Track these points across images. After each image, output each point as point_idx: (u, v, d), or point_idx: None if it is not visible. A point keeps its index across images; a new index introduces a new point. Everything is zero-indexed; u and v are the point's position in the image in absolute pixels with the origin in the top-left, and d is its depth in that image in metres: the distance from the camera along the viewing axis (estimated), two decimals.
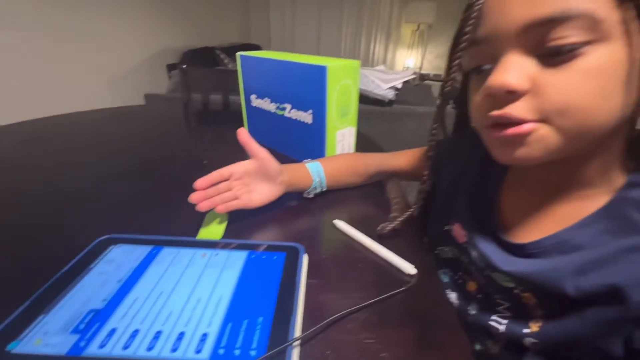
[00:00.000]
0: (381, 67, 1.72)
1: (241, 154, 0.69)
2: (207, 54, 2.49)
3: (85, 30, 1.83)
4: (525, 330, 0.30)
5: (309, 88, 0.55)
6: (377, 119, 1.41)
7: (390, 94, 1.39)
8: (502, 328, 0.32)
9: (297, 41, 3.73)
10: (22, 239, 0.40)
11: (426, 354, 0.27)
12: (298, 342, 0.26)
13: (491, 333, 0.33)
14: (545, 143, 0.26)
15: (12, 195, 0.50)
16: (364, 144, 0.74)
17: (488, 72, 0.28)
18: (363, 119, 1.49)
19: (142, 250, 0.35)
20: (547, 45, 0.24)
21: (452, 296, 0.40)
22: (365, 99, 1.41)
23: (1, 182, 0.53)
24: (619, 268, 0.26)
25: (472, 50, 0.30)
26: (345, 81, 0.55)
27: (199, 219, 0.43)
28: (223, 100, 1.07)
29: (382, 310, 0.31)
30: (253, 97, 0.68)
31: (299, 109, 0.59)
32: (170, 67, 2.20)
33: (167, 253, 0.35)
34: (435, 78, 3.55)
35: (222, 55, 2.48)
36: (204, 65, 2.25)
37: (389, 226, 0.41)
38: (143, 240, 0.37)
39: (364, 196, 0.53)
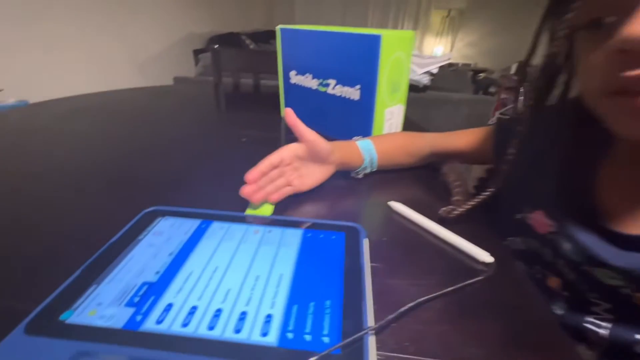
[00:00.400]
0: (415, 52, 1.64)
1: (277, 134, 0.66)
2: (232, 39, 2.48)
3: (115, 15, 1.84)
4: (639, 337, 0.25)
5: (359, 61, 0.50)
6: (409, 104, 1.35)
7: (425, 79, 1.32)
8: (604, 332, 0.28)
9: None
10: (67, 210, 0.38)
11: (526, 355, 0.23)
12: (373, 330, 0.23)
13: (586, 337, 0.29)
14: None
15: (55, 166, 0.49)
16: (409, 126, 0.70)
17: (611, 27, 0.23)
18: None
19: (191, 224, 0.33)
20: None
21: None
22: None
23: (43, 154, 0.53)
24: None
25: (587, 1, 0.24)
26: (398, 53, 0.50)
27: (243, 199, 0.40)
28: (254, 82, 1.04)
29: (459, 300, 0.28)
30: (292, 73, 0.65)
31: (344, 84, 0.55)
32: (197, 52, 2.20)
33: (217, 227, 0.33)
34: (465, 67, 3.39)
35: (248, 41, 2.45)
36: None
37: (456, 210, 0.37)
38: (190, 213, 0.35)
39: (415, 178, 0.49)
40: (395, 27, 3.49)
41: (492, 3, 3.22)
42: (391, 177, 0.48)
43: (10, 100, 0.82)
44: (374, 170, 0.47)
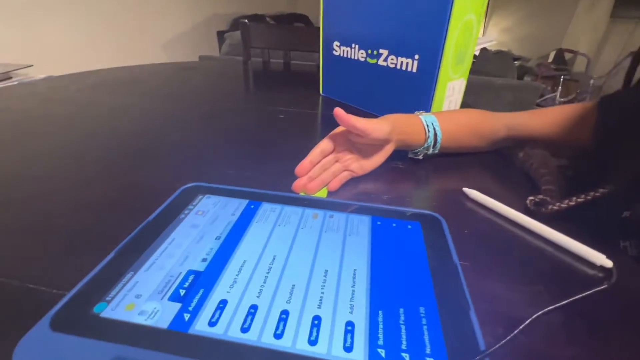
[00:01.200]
0: None
1: (316, 111, 0.60)
2: (256, 21, 2.41)
3: None
4: None
5: (421, 25, 0.43)
6: None
7: None
8: None
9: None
10: (99, 181, 0.34)
11: None
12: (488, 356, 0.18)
13: None
14: None
15: (86, 138, 0.45)
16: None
17: None
18: None
19: (239, 204, 0.28)
20: None
21: None
22: None
23: (73, 125, 0.49)
24: None
25: None
26: (469, 16, 0.43)
27: (289, 171, 0.35)
28: (284, 60, 0.98)
29: (583, 315, 0.21)
30: (336, 44, 0.58)
31: (399, 55, 0.48)
32: (220, 34, 2.15)
33: (268, 209, 0.28)
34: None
35: (272, 23, 2.38)
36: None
37: (551, 205, 0.30)
38: (236, 192, 0.30)
39: (484, 164, 0.42)
40: None
41: None
42: (455, 161, 0.41)
43: (40, 76, 0.81)
44: (436, 152, 0.40)
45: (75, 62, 1.46)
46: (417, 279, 0.21)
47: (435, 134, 0.38)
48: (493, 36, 1.38)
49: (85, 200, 0.31)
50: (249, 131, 0.50)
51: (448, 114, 0.42)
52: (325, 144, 0.34)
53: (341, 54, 0.58)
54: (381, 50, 0.50)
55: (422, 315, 0.19)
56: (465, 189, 0.34)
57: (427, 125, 0.38)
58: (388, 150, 0.37)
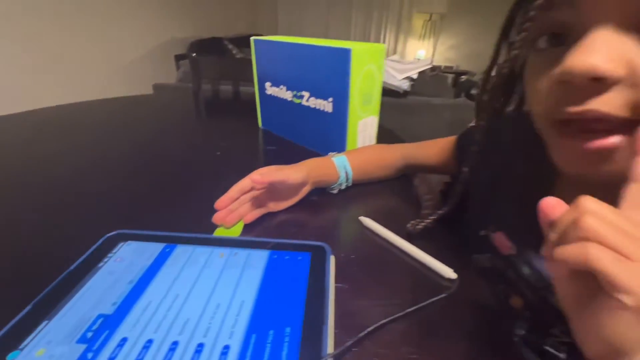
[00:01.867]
0: (396, 57, 1.66)
1: (254, 146, 0.66)
2: (215, 44, 2.44)
3: (92, 20, 1.80)
4: None
5: (330, 74, 0.51)
6: (391, 110, 1.36)
7: (405, 85, 1.34)
8: (562, 356, 0.28)
9: (305, 33, 3.66)
10: (23, 236, 0.37)
11: None
12: (331, 358, 0.23)
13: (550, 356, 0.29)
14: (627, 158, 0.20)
15: (13, 187, 0.47)
16: (384, 135, 0.70)
17: (562, 49, 0.21)
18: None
19: (155, 248, 0.32)
20: None
21: None
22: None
23: (2, 173, 0.51)
24: None
25: (541, 16, 0.23)
26: (369, 66, 0.50)
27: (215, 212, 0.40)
28: (234, 89, 1.04)
29: (421, 320, 0.28)
30: (267, 84, 0.64)
31: (318, 96, 0.55)
32: (179, 58, 2.17)
33: (181, 251, 0.32)
34: (447, 70, 3.45)
35: (230, 46, 2.43)
36: (212, 56, 2.21)
37: (421, 224, 0.37)
38: (155, 236, 0.34)
39: (389, 191, 0.49)
40: (378, 31, 3.52)
41: (471, 8, 3.29)
42: (365, 190, 0.48)
43: None
44: (349, 185, 0.47)
45: (16, 95, 1.41)
46: (292, 304, 0.27)
47: (347, 173, 0.45)
48: (429, 60, 1.52)
49: (10, 252, 0.34)
50: (184, 171, 0.54)
51: (356, 152, 0.50)
52: (244, 183, 0.40)
53: (273, 93, 0.64)
54: (303, 93, 0.57)
55: (287, 334, 0.24)
56: (360, 218, 0.40)
57: (339, 167, 0.45)
58: (304, 191, 0.43)
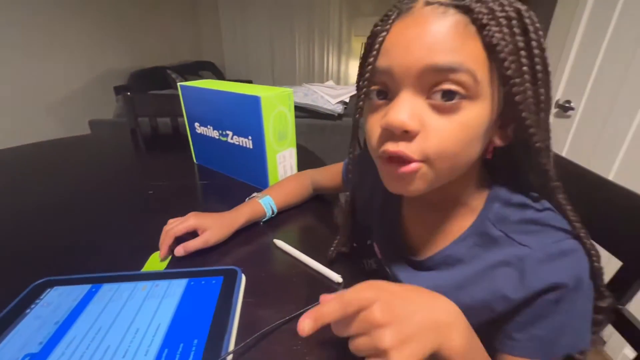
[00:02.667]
0: (330, 83, 1.80)
1: (189, 181, 0.71)
2: (157, 74, 2.44)
3: (19, 52, 1.72)
4: None
5: (246, 116, 0.58)
6: (329, 132, 1.48)
7: (339, 108, 1.46)
8: None
9: (250, 56, 3.76)
10: None
11: (347, 352, 0.32)
12: (230, 356, 0.30)
13: None
14: (425, 179, 0.30)
15: None
16: (308, 159, 0.79)
17: (385, 102, 0.30)
18: (316, 132, 1.55)
19: (81, 290, 0.37)
20: (437, 90, 0.27)
21: None
22: (317, 114, 1.48)
23: None
24: (485, 284, 0.32)
25: (375, 78, 0.30)
26: (279, 108, 0.59)
27: (144, 251, 0.45)
28: (172, 124, 1.07)
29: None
30: (196, 124, 0.70)
31: (239, 135, 0.62)
32: (118, 90, 2.12)
33: (107, 290, 0.37)
34: None
35: (174, 75, 2.44)
36: (154, 86, 2.20)
37: (334, 252, 0.45)
38: (82, 279, 0.38)
39: (305, 214, 0.58)
40: (322, 54, 3.74)
41: None
42: (284, 216, 0.56)
43: None
44: (274, 215, 0.55)
45: None
46: (201, 321, 0.33)
47: (272, 208, 0.53)
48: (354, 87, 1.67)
49: None
50: (116, 212, 0.58)
51: (278, 187, 0.58)
52: (175, 231, 0.45)
53: (202, 132, 0.70)
54: (227, 132, 0.64)
55: (194, 345, 0.30)
56: (274, 240, 0.48)
57: (265, 206, 0.53)
58: (235, 229, 0.49)
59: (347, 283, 0.40)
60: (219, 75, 3.34)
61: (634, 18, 0.93)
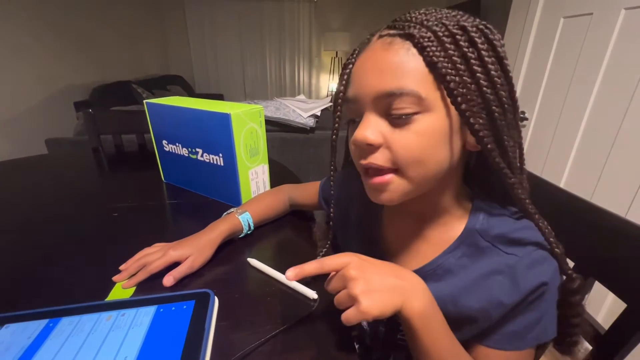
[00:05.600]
0: (301, 97, 1.82)
1: (157, 201, 0.68)
2: (121, 88, 2.35)
3: None
4: None
5: (217, 134, 0.58)
6: (301, 145, 1.49)
7: (311, 122, 1.48)
8: (405, 344, 0.38)
9: (221, 70, 3.73)
10: None
11: None
12: None
13: (400, 347, 0.40)
14: (401, 189, 0.33)
15: None
16: (282, 174, 0.79)
17: (357, 124, 0.34)
18: (289, 146, 1.56)
19: (37, 326, 0.34)
20: (391, 111, 0.31)
21: (363, 323, 0.44)
22: (289, 128, 1.48)
23: None
24: (480, 294, 0.34)
25: (346, 106, 0.36)
26: (250, 125, 0.59)
27: (109, 276, 0.42)
28: (138, 141, 1.03)
29: (287, 338, 0.35)
30: (164, 142, 0.69)
31: (210, 152, 0.61)
32: (78, 105, 2.02)
33: (66, 324, 0.34)
34: None
35: (140, 89, 2.36)
36: (118, 101, 2.11)
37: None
38: (37, 314, 0.35)
39: (281, 229, 0.57)
40: (293, 69, 3.80)
41: None
42: (258, 233, 0.55)
43: None
44: (252, 230, 0.54)
45: None
46: (172, 350, 0.31)
47: (249, 224, 0.53)
48: (328, 99, 1.72)
49: None
50: (78, 237, 0.54)
51: (255, 202, 0.58)
52: (150, 269, 0.42)
53: (170, 150, 0.68)
54: (197, 149, 0.63)
55: None
56: (249, 259, 0.47)
57: (243, 222, 0.52)
58: (215, 248, 0.48)
59: (323, 299, 0.40)
60: (189, 90, 3.28)
61: (573, 38, 1.03)
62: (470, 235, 0.36)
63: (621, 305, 0.35)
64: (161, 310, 0.36)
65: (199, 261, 0.45)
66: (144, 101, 0.67)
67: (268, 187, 0.68)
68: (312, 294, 0.40)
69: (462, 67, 0.29)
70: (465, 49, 0.29)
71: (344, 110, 0.37)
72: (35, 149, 1.21)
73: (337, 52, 3.80)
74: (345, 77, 0.35)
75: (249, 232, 0.54)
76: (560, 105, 1.08)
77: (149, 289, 0.42)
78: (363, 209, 0.46)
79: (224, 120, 0.56)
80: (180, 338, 0.33)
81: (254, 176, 0.63)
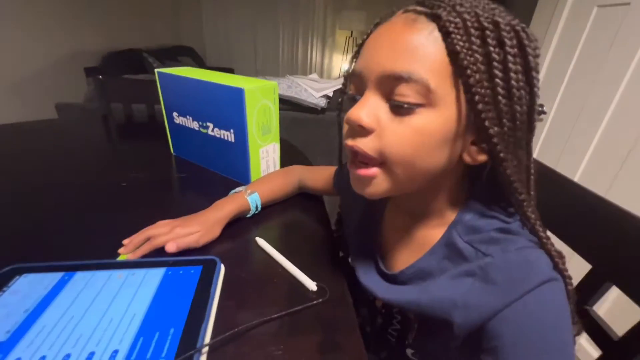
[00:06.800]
0: (314, 76, 1.80)
1: (165, 173, 0.69)
2: (132, 57, 2.33)
3: None
4: (406, 342, 0.38)
5: (229, 108, 0.58)
6: (311, 125, 1.49)
7: (322, 102, 1.47)
8: (393, 340, 0.40)
9: (232, 43, 3.66)
10: None
11: (325, 357, 0.32)
12: (206, 349, 0.30)
13: (390, 343, 0.41)
14: (384, 184, 0.31)
15: None
16: (291, 153, 0.80)
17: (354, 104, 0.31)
18: (299, 126, 1.56)
19: (53, 278, 0.36)
20: (393, 97, 0.28)
21: (364, 311, 0.45)
22: (300, 107, 1.47)
23: None
24: (448, 293, 0.30)
25: (352, 80, 0.33)
26: (263, 101, 0.59)
27: (114, 249, 0.43)
28: (148, 111, 1.04)
29: (292, 322, 0.35)
30: (175, 114, 0.69)
31: (221, 128, 0.62)
32: (89, 71, 2.01)
33: (80, 278, 0.36)
34: None
35: (151, 59, 2.34)
36: (129, 69, 2.10)
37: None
38: (54, 267, 0.37)
39: (290, 210, 0.58)
40: (305, 47, 3.71)
41: None
42: (268, 212, 0.56)
43: None
44: (259, 211, 0.55)
45: None
46: (179, 310, 0.33)
47: (257, 204, 0.53)
48: (341, 80, 1.67)
49: None
50: (88, 202, 0.56)
51: (264, 182, 0.58)
52: (155, 243, 0.42)
53: (181, 123, 0.69)
54: (208, 123, 0.63)
55: (170, 334, 0.30)
56: (256, 238, 0.47)
57: (250, 201, 0.52)
58: (222, 228, 0.48)
59: (325, 291, 0.39)
60: (199, 62, 3.24)
61: (606, 28, 0.99)
62: (450, 236, 0.33)
63: (625, 307, 0.33)
64: (169, 272, 0.38)
65: (205, 239, 0.45)
66: (155, 70, 0.67)
67: (278, 167, 0.69)
68: (311, 285, 0.40)
69: (483, 66, 0.26)
70: (491, 48, 0.26)
71: (349, 86, 0.34)
72: (44, 113, 1.22)
73: (352, 32, 3.69)
74: (358, 49, 0.32)
75: (256, 213, 0.54)
76: (583, 98, 1.04)
77: (161, 249, 0.43)
78: (370, 201, 0.44)
79: (237, 95, 0.56)
80: (186, 301, 0.34)
81: (265, 155, 0.64)
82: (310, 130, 1.52)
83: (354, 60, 0.33)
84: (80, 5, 2.14)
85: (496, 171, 0.29)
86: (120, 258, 0.42)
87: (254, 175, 0.63)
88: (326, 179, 0.57)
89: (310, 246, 0.49)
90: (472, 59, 0.26)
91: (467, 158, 0.31)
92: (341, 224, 0.56)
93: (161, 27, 3.16)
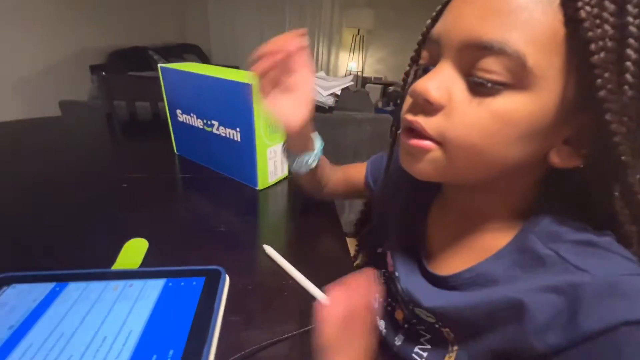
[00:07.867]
0: (322, 74, 1.76)
1: (168, 174, 0.66)
2: (138, 54, 2.32)
3: None
4: None
5: (235, 105, 0.55)
6: (318, 124, 1.45)
7: (330, 101, 1.43)
8: None
9: (238, 42, 3.64)
10: None
11: None
12: None
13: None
14: (436, 165, 0.27)
15: None
16: None
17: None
18: None
19: (43, 289, 0.33)
20: (474, 71, 0.23)
21: (381, 324, 0.39)
22: None
23: None
24: (519, 314, 0.25)
25: (427, 47, 0.28)
26: None
27: (116, 247, 0.41)
28: (152, 109, 1.01)
29: (305, 343, 0.31)
30: (179, 111, 0.66)
31: (226, 126, 0.58)
32: (95, 69, 2.00)
33: (73, 289, 0.33)
34: (376, 81, 3.74)
35: (156, 57, 2.32)
36: (134, 67, 2.09)
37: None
38: (45, 276, 0.34)
39: (301, 216, 0.55)
40: (312, 44, 3.67)
41: (395, 25, 3.62)
42: (274, 219, 0.53)
43: None
44: (313, 166, 0.45)
45: None
46: (179, 328, 0.30)
47: (319, 151, 0.46)
48: (350, 78, 1.65)
49: None
50: (86, 204, 0.53)
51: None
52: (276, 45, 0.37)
53: (184, 121, 0.66)
54: (213, 121, 0.60)
55: (169, 356, 0.27)
56: (264, 246, 0.44)
57: (316, 142, 0.46)
58: (308, 113, 0.41)
59: None
60: (205, 60, 3.22)
61: None
62: (526, 239, 0.27)
63: None
64: (170, 284, 0.35)
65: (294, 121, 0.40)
66: (159, 65, 0.64)
67: (286, 168, 0.65)
68: (323, 298, 0.36)
69: (612, 43, 0.20)
70: (630, 19, 0.20)
71: (423, 54, 0.28)
72: (48, 111, 1.20)
73: (359, 30, 3.64)
74: (439, 9, 0.27)
75: (315, 160, 0.45)
76: None
77: (160, 254, 0.40)
78: (412, 195, 0.40)
79: (245, 90, 0.52)
80: (187, 317, 0.31)
81: (272, 155, 0.60)
82: (318, 129, 1.49)
83: (433, 23, 0.27)
84: (86, 3, 2.13)
85: (596, 183, 0.24)
86: (116, 264, 0.39)
87: (260, 177, 0.60)
88: (355, 175, 0.53)
89: (322, 254, 0.46)
90: (600, 31, 0.20)
91: (555, 159, 0.25)
92: (363, 224, 0.51)
93: (167, 25, 3.15)
